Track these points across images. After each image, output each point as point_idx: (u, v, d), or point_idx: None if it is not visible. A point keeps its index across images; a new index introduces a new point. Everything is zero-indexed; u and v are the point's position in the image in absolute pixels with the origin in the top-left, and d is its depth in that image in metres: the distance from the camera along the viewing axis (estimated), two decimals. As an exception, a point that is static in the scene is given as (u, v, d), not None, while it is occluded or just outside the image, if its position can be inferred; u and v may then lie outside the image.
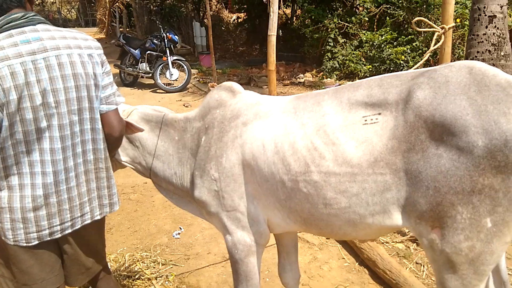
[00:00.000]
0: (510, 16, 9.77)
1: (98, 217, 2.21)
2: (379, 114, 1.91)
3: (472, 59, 8.39)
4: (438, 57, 3.63)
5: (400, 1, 10.32)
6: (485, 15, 8.17)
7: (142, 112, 2.66)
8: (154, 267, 3.81)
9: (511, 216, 1.73)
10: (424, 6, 9.97)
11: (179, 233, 4.38)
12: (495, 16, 8.13)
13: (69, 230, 2.09)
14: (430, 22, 3.37)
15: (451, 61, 9.05)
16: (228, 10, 23.64)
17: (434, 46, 3.38)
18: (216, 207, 2.33)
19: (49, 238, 2.03)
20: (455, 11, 9.99)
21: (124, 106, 2.64)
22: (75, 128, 2.00)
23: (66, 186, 2.01)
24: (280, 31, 17.19)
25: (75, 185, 2.06)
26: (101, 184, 2.19)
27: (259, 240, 2.34)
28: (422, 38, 9.82)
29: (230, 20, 21.66)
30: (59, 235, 2.06)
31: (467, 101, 1.72)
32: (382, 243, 4.00)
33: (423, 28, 3.50)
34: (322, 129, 2.01)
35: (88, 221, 2.16)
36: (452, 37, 10.06)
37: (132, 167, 2.71)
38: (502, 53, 8.24)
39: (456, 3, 10.31)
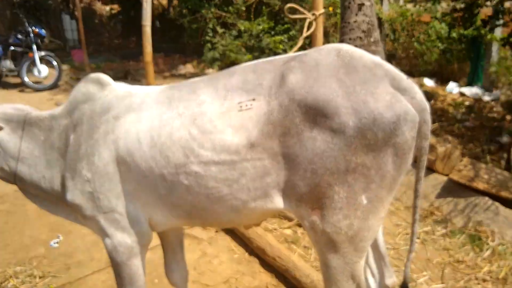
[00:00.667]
0: (377, 4, 10.41)
1: None
2: (254, 99, 1.88)
3: (347, 43, 8.83)
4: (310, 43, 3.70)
5: (275, -9, 10.53)
6: (355, 3, 8.63)
7: (0, 112, 2.37)
8: (30, 282, 3.47)
9: (384, 192, 1.82)
10: (298, -5, 10.27)
11: (57, 242, 4.04)
12: (363, 4, 8.56)
13: None
14: (301, 9, 3.40)
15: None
16: (101, 2, 22.61)
17: (306, 32, 3.42)
18: (91, 210, 2.15)
19: None
20: (327, 0, 10.43)
21: None
22: None
23: None
24: (158, 22, 16.83)
25: None
26: None
27: (141, 240, 2.21)
28: (298, 27, 10.10)
29: (103, 12, 20.74)
30: None
31: (337, 83, 1.77)
32: (270, 230, 4.02)
33: (296, 15, 3.53)
34: (200, 118, 1.94)
35: None
36: (326, 26, 10.53)
37: None
38: (372, 39, 8.73)
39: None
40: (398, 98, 1.75)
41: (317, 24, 3.46)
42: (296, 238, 3.89)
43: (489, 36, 7.14)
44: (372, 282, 2.40)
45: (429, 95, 7.34)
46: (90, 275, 3.57)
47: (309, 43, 4.27)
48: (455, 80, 8.38)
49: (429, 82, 8.40)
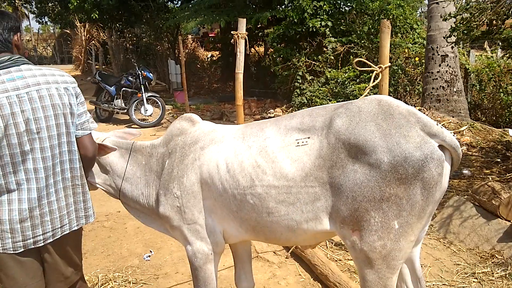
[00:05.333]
0: (463, 55, 10.50)
1: (76, 228, 2.56)
2: (308, 137, 2.36)
3: (428, 94, 9.09)
4: (378, 92, 4.11)
5: (362, 42, 11.02)
6: (438, 55, 8.92)
7: (113, 141, 3.04)
8: (125, 286, 4.11)
9: (414, 219, 2.19)
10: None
11: (149, 256, 4.69)
12: (447, 55, 8.89)
13: (51, 240, 2.44)
14: (369, 62, 3.86)
15: (410, 96, 9.61)
16: (203, 48, 24.31)
17: (373, 83, 3.86)
18: (178, 221, 2.71)
19: (33, 246, 2.37)
20: (414, 51, 10.73)
21: (98, 133, 3.01)
22: (55, 150, 2.38)
23: (47, 200, 2.38)
24: (253, 68, 17.89)
25: (55, 200, 2.42)
26: (78, 199, 2.55)
27: (215, 249, 2.73)
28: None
29: (205, 58, 22.29)
30: (42, 244, 2.41)
31: (375, 127, 2.20)
32: (335, 260, 4.39)
33: (364, 67, 3.98)
34: (264, 150, 2.45)
35: (67, 231, 2.51)
36: (412, 74, 10.80)
37: (104, 188, 3.06)
38: (455, 89, 8.97)
39: (415, 43, 11.05)
40: (426, 140, 2.15)
41: (383, 76, 3.89)
42: (358, 269, 4.22)
43: None
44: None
45: (510, 145, 7.34)
46: (174, 286, 4.14)
47: (376, 93, 4.68)
48: (543, 132, 8.25)
49: (512, 133, 8.33)
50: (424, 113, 8.38)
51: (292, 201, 2.36)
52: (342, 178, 2.21)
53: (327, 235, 2.52)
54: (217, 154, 2.60)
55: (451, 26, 6.08)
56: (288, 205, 2.37)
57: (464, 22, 5.50)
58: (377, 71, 3.86)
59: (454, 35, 6.12)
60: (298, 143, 2.38)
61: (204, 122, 2.92)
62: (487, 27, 5.66)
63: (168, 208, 2.73)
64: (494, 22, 5.54)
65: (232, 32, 6.02)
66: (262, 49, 18.79)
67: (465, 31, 5.47)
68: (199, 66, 21.37)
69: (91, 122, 2.60)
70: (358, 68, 3.93)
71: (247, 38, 5.89)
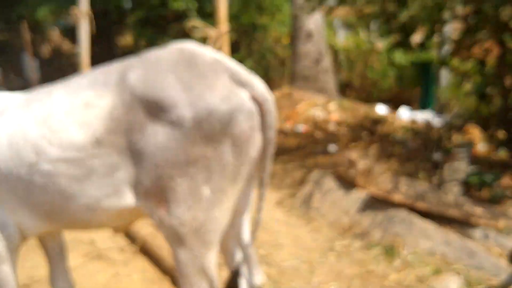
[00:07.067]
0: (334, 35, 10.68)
1: None
2: (99, 97, 1.92)
3: (297, 74, 9.03)
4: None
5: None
6: (303, 33, 8.90)
7: None
8: None
9: (227, 182, 1.86)
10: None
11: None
12: (311, 35, 8.88)
13: None
14: (202, 25, 3.51)
15: (283, 78, 9.55)
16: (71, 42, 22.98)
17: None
18: None
19: None
20: (283, 32, 10.73)
21: None
22: None
23: None
24: (123, 55, 17.14)
25: None
26: None
27: (9, 245, 2.20)
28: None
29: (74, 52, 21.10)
30: None
31: (175, 78, 1.83)
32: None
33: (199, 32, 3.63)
34: (50, 117, 1.99)
35: None
36: (284, 56, 10.76)
37: None
38: (322, 68, 8.98)
39: (283, 24, 11.07)
40: (234, 91, 1.82)
41: (223, 42, 3.56)
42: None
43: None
44: (243, 282, 2.38)
45: (377, 121, 7.43)
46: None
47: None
48: (408, 105, 8.50)
49: (381, 109, 8.39)
50: (292, 93, 8.33)
51: (86, 175, 1.93)
52: (143, 142, 1.83)
53: (136, 212, 2.09)
54: None
55: (306, -3, 5.96)
56: (82, 180, 1.94)
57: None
58: (211, 36, 3.50)
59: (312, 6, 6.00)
60: (87, 104, 1.93)
61: None
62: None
63: None
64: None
65: (73, 9, 5.62)
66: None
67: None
68: (65, 60, 20.14)
69: None
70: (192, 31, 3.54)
71: (92, 15, 5.54)
